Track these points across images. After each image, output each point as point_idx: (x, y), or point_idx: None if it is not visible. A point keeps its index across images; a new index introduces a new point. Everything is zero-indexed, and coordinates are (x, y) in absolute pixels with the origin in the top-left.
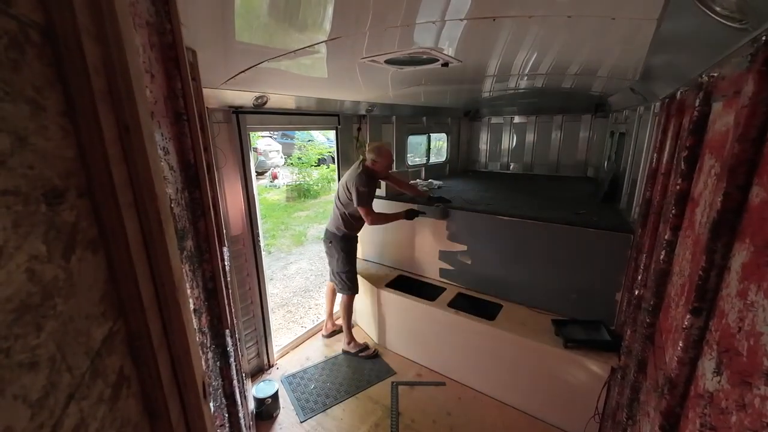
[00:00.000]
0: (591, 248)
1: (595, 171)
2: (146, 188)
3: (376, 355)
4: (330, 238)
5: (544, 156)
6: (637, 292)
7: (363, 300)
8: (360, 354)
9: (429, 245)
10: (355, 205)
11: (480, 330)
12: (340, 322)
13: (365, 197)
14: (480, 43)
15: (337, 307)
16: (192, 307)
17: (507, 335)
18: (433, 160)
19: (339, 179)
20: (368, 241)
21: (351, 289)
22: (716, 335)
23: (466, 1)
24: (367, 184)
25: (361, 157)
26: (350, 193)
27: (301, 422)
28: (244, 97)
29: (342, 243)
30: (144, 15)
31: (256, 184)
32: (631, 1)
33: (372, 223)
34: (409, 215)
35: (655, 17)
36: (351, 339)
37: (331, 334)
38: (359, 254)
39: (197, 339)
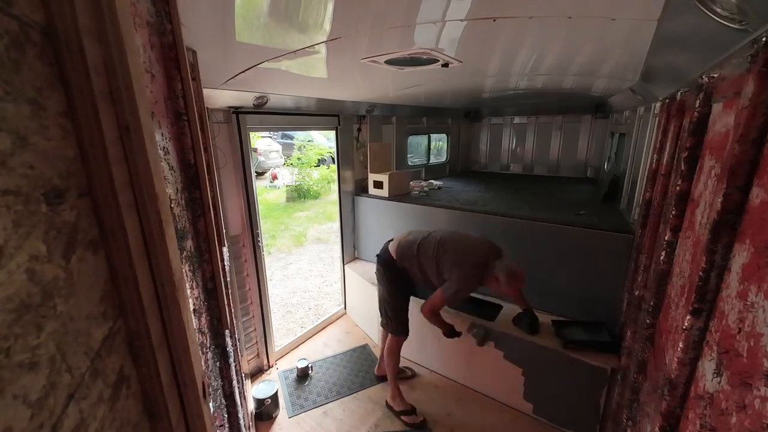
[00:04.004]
0: (591, 249)
1: (595, 172)
2: (146, 188)
3: (423, 426)
4: (384, 263)
5: (544, 156)
6: (637, 293)
7: (363, 300)
8: (402, 417)
9: None
10: (438, 286)
11: None
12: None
13: (453, 295)
14: (480, 44)
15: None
16: (192, 307)
17: (507, 335)
18: (433, 160)
19: (339, 179)
20: (368, 241)
21: (397, 330)
22: (716, 336)
23: (466, 2)
24: (469, 286)
25: (494, 263)
26: (442, 270)
27: (299, 422)
28: (244, 98)
29: (395, 272)
30: (144, 15)
31: (256, 184)
32: (632, 1)
33: (426, 314)
34: (449, 333)
35: (655, 18)
36: (397, 393)
37: (381, 379)
38: (358, 254)
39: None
